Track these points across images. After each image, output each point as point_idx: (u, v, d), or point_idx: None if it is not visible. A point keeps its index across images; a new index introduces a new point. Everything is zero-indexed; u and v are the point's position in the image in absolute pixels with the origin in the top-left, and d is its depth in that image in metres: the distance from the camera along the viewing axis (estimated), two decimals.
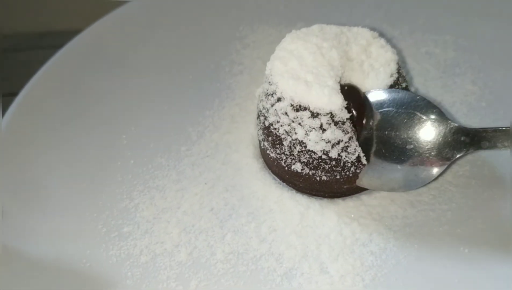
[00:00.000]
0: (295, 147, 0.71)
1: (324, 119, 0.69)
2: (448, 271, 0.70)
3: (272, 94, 0.73)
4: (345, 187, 0.74)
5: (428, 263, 0.71)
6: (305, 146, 0.70)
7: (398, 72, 0.77)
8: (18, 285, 0.70)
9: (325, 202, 0.78)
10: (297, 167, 0.73)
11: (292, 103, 0.70)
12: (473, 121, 0.87)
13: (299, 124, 0.70)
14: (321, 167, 0.71)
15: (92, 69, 0.98)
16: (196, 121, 0.90)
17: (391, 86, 0.75)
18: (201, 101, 0.93)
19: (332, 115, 0.69)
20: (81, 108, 0.92)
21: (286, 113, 0.71)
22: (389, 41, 0.82)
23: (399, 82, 0.77)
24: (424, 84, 0.93)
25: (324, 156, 0.70)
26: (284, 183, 0.80)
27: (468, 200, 0.77)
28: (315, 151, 0.70)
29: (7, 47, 0.97)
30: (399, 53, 0.84)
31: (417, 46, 1.00)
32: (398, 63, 0.77)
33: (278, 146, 0.73)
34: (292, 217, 0.76)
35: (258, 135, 0.79)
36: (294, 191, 0.79)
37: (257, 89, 0.82)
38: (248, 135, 0.87)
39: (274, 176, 0.81)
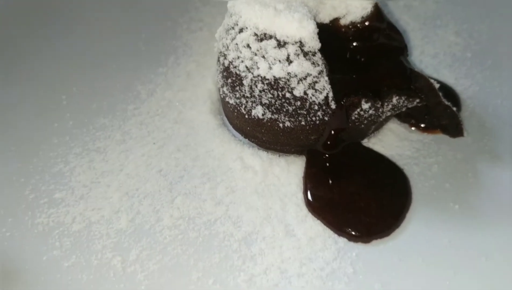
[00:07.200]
0: (256, 86, 0.60)
1: (292, 49, 0.58)
2: (435, 230, 0.60)
3: (233, 27, 0.62)
4: (312, 138, 0.64)
5: (413, 222, 0.60)
6: (268, 82, 0.59)
7: (378, 14, 0.68)
8: None
9: (291, 158, 0.67)
10: (258, 111, 0.61)
11: (256, 32, 0.59)
12: (458, 72, 0.78)
13: (263, 56, 0.59)
14: (284, 110, 0.60)
15: (32, 24, 0.87)
16: (147, 79, 0.79)
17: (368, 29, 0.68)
18: (153, 58, 0.82)
19: (301, 44, 0.58)
20: (16, 68, 0.81)
21: (248, 45, 0.60)
22: None
23: (380, 26, 0.69)
24: (403, 35, 0.83)
25: (288, 94, 0.59)
26: (246, 140, 0.69)
27: (456, 152, 0.67)
28: (278, 78, 0.59)
29: None
30: None
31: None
32: (378, 6, 0.69)
33: (238, 88, 0.62)
34: (254, 176, 0.65)
35: (217, 82, 0.68)
36: (256, 148, 0.68)
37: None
38: (205, 91, 0.76)
39: (235, 132, 0.70)
